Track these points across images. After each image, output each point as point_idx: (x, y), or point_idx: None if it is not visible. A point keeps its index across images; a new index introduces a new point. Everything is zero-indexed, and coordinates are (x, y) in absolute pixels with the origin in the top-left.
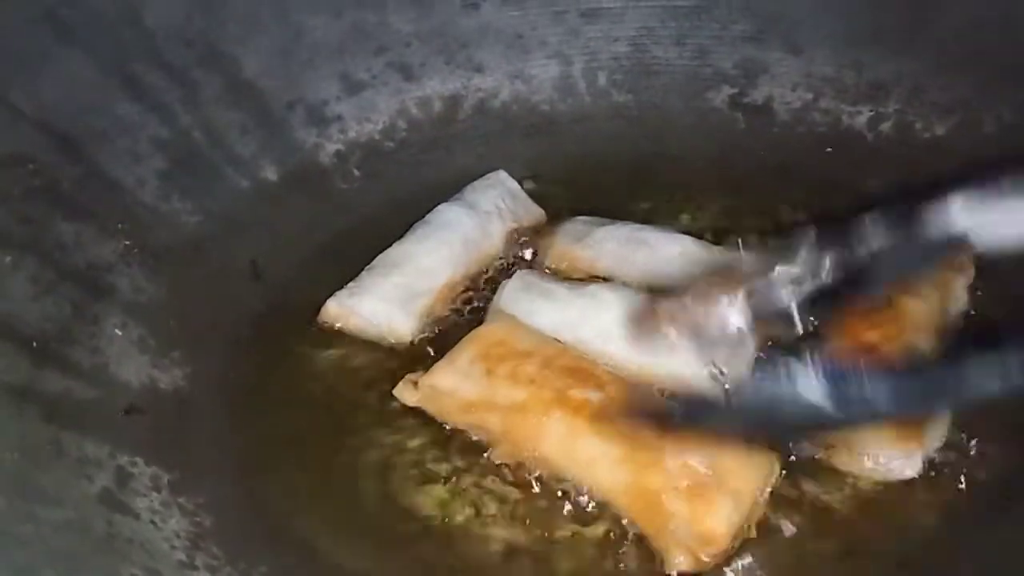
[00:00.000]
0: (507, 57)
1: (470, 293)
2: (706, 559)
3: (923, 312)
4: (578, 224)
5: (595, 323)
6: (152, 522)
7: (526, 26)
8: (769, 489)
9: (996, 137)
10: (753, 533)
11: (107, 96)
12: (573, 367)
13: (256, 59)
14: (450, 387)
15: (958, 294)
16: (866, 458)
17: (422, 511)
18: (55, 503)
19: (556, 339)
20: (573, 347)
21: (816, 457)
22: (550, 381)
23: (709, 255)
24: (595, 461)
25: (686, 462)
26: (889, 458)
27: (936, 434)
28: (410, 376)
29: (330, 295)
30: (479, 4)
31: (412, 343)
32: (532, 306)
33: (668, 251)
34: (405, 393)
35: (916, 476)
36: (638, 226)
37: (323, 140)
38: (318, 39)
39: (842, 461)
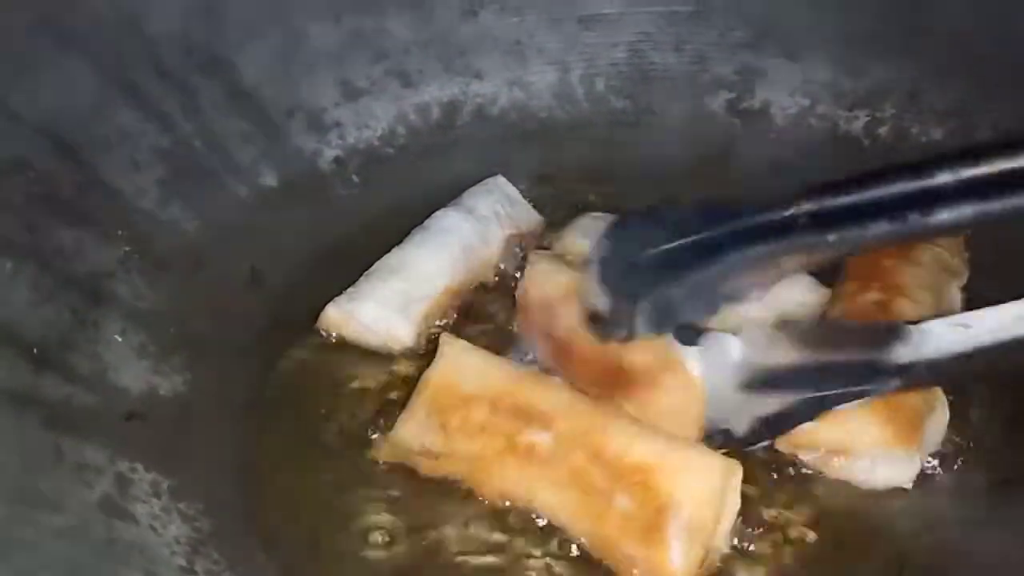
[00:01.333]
0: (505, 64)
1: (469, 298)
2: None
3: (916, 316)
4: (589, 219)
5: None
6: (152, 528)
7: (524, 33)
8: (737, 493)
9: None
10: (726, 548)
11: (107, 103)
12: (521, 405)
13: (255, 66)
14: (414, 442)
15: (952, 296)
16: (861, 466)
17: (424, 520)
18: (55, 509)
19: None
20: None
21: (807, 463)
22: (499, 427)
23: None
24: (555, 509)
25: (638, 501)
26: (885, 465)
27: (932, 441)
28: (384, 426)
29: (329, 301)
30: (477, 11)
31: (411, 349)
32: None
33: None
34: (381, 453)
35: (912, 481)
36: None
37: (322, 147)
38: (317, 46)
39: (836, 469)
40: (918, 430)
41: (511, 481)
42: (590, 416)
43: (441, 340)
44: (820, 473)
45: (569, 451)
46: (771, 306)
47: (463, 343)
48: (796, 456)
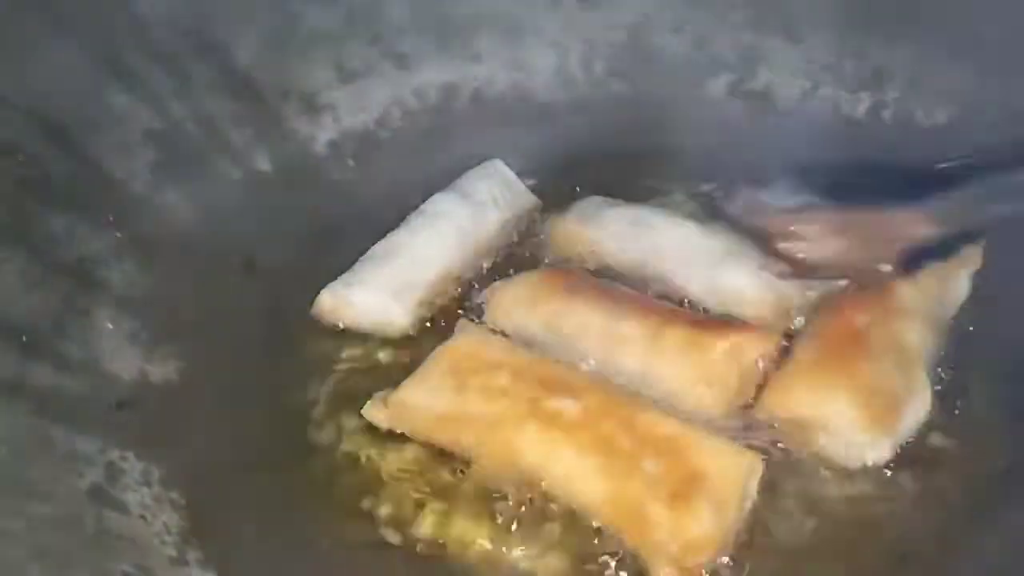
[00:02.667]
0: (504, 45)
1: (465, 283)
2: (693, 568)
3: (917, 300)
4: (591, 204)
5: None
6: (143, 517)
7: (523, 14)
8: (754, 491)
9: (999, 123)
10: (743, 537)
11: (98, 86)
12: (546, 376)
13: (249, 48)
14: (421, 403)
15: (960, 283)
16: (836, 445)
17: (414, 507)
18: (44, 498)
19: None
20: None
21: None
22: (524, 392)
23: (712, 241)
24: (572, 473)
25: (665, 467)
26: (858, 447)
27: (910, 426)
28: (379, 394)
29: (324, 286)
30: None
31: (407, 333)
32: None
33: (670, 235)
34: (374, 412)
35: (888, 459)
36: (648, 209)
37: (317, 130)
38: (312, 27)
39: (812, 447)
40: (894, 415)
41: (527, 444)
42: (620, 393)
43: (459, 323)
44: (796, 452)
45: (598, 419)
46: (773, 287)
47: (483, 328)
48: (774, 440)
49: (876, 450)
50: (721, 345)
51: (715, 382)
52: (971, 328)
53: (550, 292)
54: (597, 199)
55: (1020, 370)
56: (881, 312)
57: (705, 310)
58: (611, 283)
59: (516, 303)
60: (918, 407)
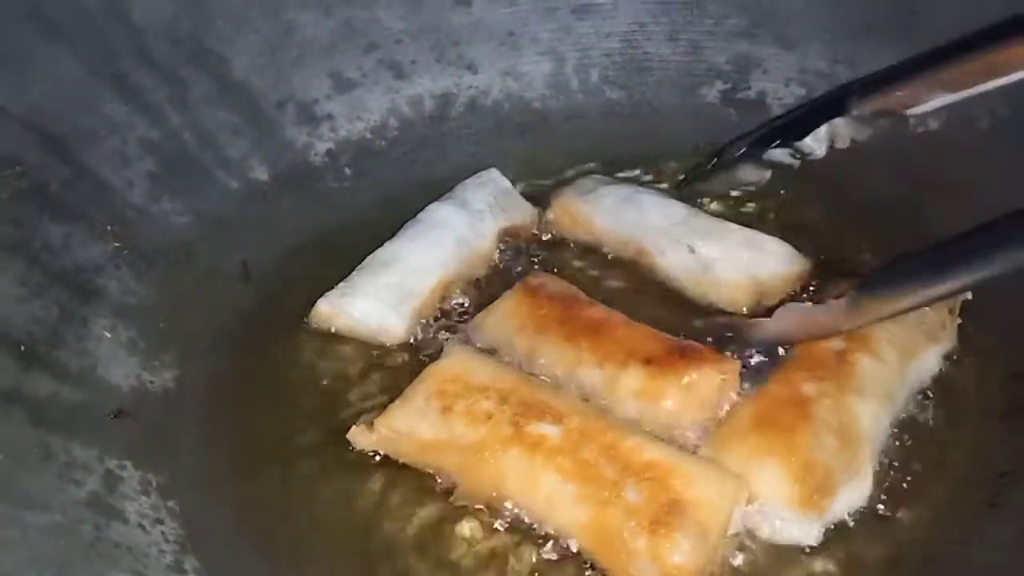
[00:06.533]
0: (499, 54)
1: (462, 292)
2: None
3: (875, 375)
4: (589, 181)
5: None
6: (141, 526)
7: (518, 23)
8: (738, 516)
9: (989, 131)
10: (719, 567)
11: (95, 96)
12: (532, 400)
13: (246, 58)
14: (407, 428)
15: (925, 362)
16: (762, 516)
17: (411, 516)
18: (42, 508)
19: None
20: None
21: None
22: (508, 416)
23: (700, 222)
24: (554, 499)
25: (647, 494)
26: (785, 521)
27: (845, 506)
28: (365, 418)
29: (321, 296)
30: (470, 1)
31: (404, 343)
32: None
33: (656, 213)
34: (360, 437)
35: (814, 543)
36: (640, 188)
37: (314, 139)
38: (308, 37)
39: (748, 519)
40: (827, 496)
41: (510, 470)
42: (603, 418)
43: (447, 345)
44: None
45: (580, 444)
46: (749, 272)
47: (471, 348)
48: None
49: (803, 530)
50: (674, 391)
51: (673, 418)
52: (969, 320)
53: (522, 327)
54: (597, 177)
55: (1018, 372)
56: (834, 384)
57: (682, 290)
58: (578, 299)
59: (495, 336)
60: (855, 493)
